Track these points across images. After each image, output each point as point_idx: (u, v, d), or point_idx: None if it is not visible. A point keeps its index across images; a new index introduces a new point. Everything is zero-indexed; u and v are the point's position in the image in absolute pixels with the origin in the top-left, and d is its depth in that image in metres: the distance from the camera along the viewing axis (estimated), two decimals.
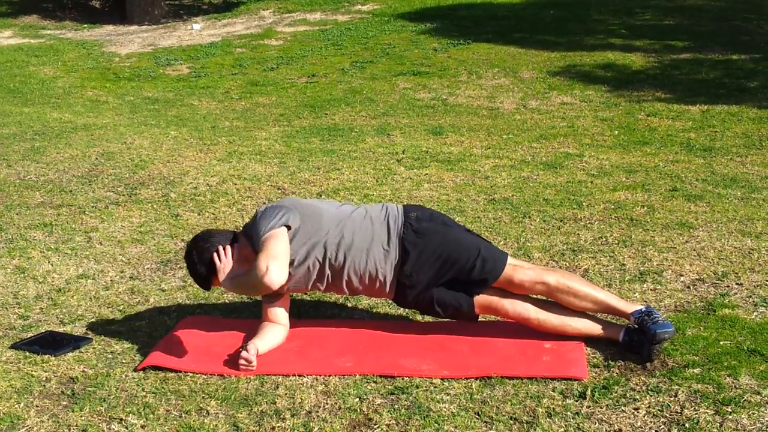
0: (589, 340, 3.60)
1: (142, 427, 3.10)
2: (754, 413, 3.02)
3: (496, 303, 3.64)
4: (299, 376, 3.42)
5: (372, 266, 3.62)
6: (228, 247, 3.63)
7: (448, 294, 3.66)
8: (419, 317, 3.98)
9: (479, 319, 3.78)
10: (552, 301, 3.67)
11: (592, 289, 3.64)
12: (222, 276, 3.58)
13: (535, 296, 3.69)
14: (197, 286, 3.84)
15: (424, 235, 3.65)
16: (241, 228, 4.15)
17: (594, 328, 3.60)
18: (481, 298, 3.65)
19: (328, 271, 3.64)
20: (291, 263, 3.56)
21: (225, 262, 3.59)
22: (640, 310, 3.50)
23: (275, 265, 3.37)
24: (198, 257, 3.65)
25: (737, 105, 8.25)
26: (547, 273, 3.67)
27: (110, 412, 3.20)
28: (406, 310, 3.99)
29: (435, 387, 3.30)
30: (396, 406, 3.17)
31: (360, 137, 7.72)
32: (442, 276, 3.63)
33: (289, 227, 3.55)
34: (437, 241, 3.64)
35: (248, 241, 3.63)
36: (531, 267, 3.72)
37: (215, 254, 3.60)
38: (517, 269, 3.65)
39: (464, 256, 3.61)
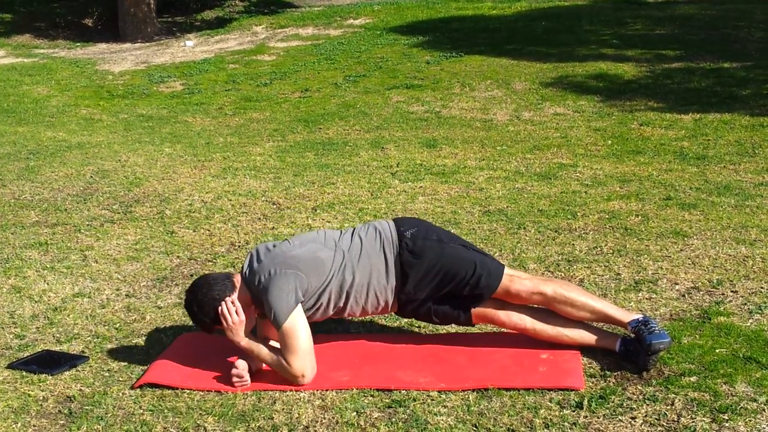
0: (585, 349, 3.61)
1: None
2: (750, 420, 3.02)
3: (493, 314, 3.66)
4: (296, 391, 3.42)
5: (373, 296, 3.64)
6: (235, 300, 3.53)
7: (445, 306, 3.68)
8: (416, 330, 3.99)
9: (476, 328, 3.80)
10: (549, 311, 3.67)
11: (590, 299, 3.64)
12: (232, 336, 3.50)
13: (531, 306, 3.70)
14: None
15: (421, 255, 3.63)
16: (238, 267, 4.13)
17: (591, 338, 3.61)
18: (477, 310, 3.66)
19: (331, 311, 3.65)
20: None
21: (235, 320, 3.50)
22: (637, 319, 3.51)
23: (308, 367, 3.43)
24: (198, 309, 3.56)
25: (730, 113, 8.28)
26: (544, 283, 3.67)
27: (108, 431, 3.20)
28: (403, 322, 4.00)
29: (432, 400, 3.31)
30: (393, 420, 3.17)
31: (354, 151, 7.73)
32: (439, 290, 3.64)
33: (302, 300, 3.52)
34: (434, 259, 3.63)
35: (250, 292, 3.57)
36: (528, 277, 3.73)
37: (220, 309, 3.51)
38: (515, 280, 3.66)
39: (461, 272, 3.62)
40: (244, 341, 3.51)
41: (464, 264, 3.63)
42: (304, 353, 3.42)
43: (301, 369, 3.41)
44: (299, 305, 3.47)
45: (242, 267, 3.66)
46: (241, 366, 3.47)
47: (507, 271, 3.69)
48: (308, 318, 3.56)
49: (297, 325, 3.44)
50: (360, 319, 4.10)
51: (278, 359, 3.46)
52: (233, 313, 3.50)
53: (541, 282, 3.68)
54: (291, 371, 3.42)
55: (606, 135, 7.83)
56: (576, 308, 3.60)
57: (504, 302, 3.67)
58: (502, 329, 3.76)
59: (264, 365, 3.57)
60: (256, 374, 3.52)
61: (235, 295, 3.55)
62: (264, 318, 3.69)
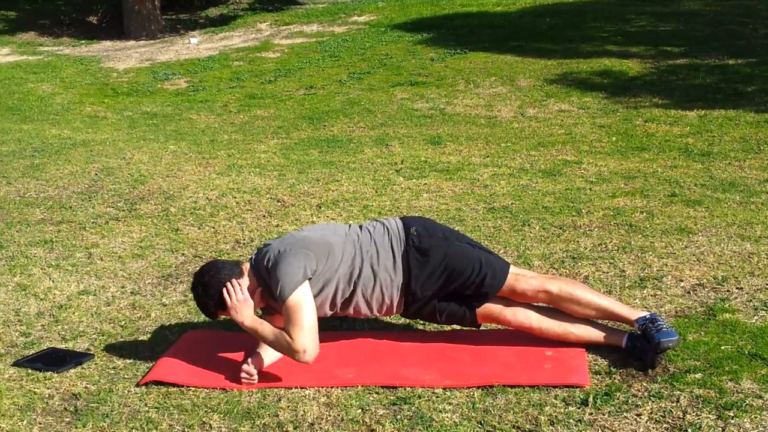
0: (590, 346, 3.61)
1: None
2: (756, 417, 3.02)
3: (498, 312, 3.65)
4: (301, 388, 3.42)
5: (378, 292, 3.63)
6: (241, 282, 3.53)
7: (450, 305, 3.67)
8: (420, 327, 3.99)
9: (481, 327, 3.80)
10: (554, 309, 3.67)
11: (595, 296, 3.64)
12: (236, 315, 3.50)
13: (537, 305, 3.70)
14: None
15: (427, 253, 3.64)
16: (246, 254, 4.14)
17: (597, 335, 3.61)
18: (483, 308, 3.66)
19: (339, 302, 3.64)
20: None
21: (239, 300, 3.50)
22: (644, 317, 3.50)
23: (310, 343, 3.38)
24: (203, 291, 3.55)
25: (734, 109, 8.26)
26: (550, 281, 3.67)
27: (113, 428, 3.20)
28: (408, 320, 3.99)
29: (437, 397, 3.31)
30: (398, 417, 3.17)
31: (359, 148, 7.73)
32: (445, 289, 3.64)
33: (309, 278, 3.50)
34: (440, 257, 3.64)
35: (257, 280, 3.57)
36: (533, 276, 3.73)
37: (225, 290, 3.50)
38: (520, 278, 3.66)
39: (467, 271, 3.62)
40: (248, 320, 3.49)
41: (470, 262, 3.64)
42: (307, 328, 3.39)
43: (303, 344, 3.36)
44: (307, 282, 3.46)
45: (251, 256, 3.68)
46: (252, 363, 3.47)
47: (512, 269, 3.69)
48: (318, 310, 3.56)
49: (303, 299, 3.41)
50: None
51: (281, 334, 3.42)
52: (237, 291, 3.50)
53: (547, 280, 3.68)
54: (293, 345, 3.37)
55: (611, 132, 7.82)
56: (582, 306, 3.60)
57: (509, 301, 3.66)
58: (507, 327, 3.76)
59: (266, 364, 3.58)
60: (261, 372, 3.52)
61: (242, 280, 3.55)
62: (270, 313, 3.70)
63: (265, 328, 3.47)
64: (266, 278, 3.53)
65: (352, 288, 3.61)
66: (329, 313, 3.69)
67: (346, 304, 3.66)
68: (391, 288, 3.64)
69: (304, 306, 3.41)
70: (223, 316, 3.64)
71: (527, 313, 3.64)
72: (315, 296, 3.53)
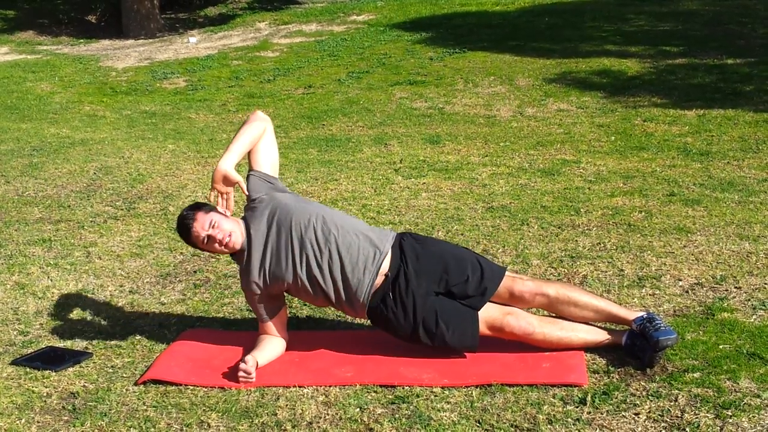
0: (591, 347, 3.60)
1: None
2: (754, 416, 3.02)
3: (501, 319, 3.58)
4: (299, 387, 3.42)
5: (355, 248, 3.56)
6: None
7: (451, 311, 3.58)
8: None
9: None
10: (553, 315, 3.67)
11: (593, 298, 3.65)
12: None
13: (535, 311, 3.70)
14: (182, 239, 3.80)
15: (423, 242, 3.69)
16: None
17: (598, 336, 3.60)
18: (485, 315, 3.59)
19: (310, 241, 3.56)
20: (275, 206, 3.67)
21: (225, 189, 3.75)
22: (642, 316, 3.50)
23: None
24: (187, 208, 3.77)
25: (733, 109, 8.26)
26: (547, 285, 3.68)
27: (111, 427, 3.20)
28: None
29: (435, 396, 3.31)
30: (397, 416, 3.17)
31: (357, 147, 7.73)
32: (439, 283, 3.60)
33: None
34: (435, 249, 3.66)
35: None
36: (530, 279, 3.74)
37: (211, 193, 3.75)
38: (517, 281, 3.66)
39: (462, 265, 3.62)
40: (229, 153, 3.73)
41: (465, 258, 3.66)
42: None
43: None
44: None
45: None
46: (250, 362, 3.47)
47: (509, 273, 3.69)
48: (292, 249, 3.59)
49: None
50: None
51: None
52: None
53: (544, 284, 3.70)
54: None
55: (609, 131, 7.82)
56: (580, 308, 3.61)
57: (509, 307, 3.64)
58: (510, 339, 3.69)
59: (264, 362, 3.58)
60: (259, 370, 3.52)
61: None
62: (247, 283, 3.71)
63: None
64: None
65: (329, 229, 3.57)
66: (290, 270, 3.58)
67: (323, 254, 3.56)
68: (367, 251, 3.57)
69: None
70: (198, 232, 3.63)
71: (528, 317, 3.60)
72: (284, 214, 3.63)
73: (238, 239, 3.63)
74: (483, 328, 3.60)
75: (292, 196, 3.79)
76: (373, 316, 3.64)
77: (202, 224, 3.62)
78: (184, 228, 3.66)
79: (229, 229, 3.60)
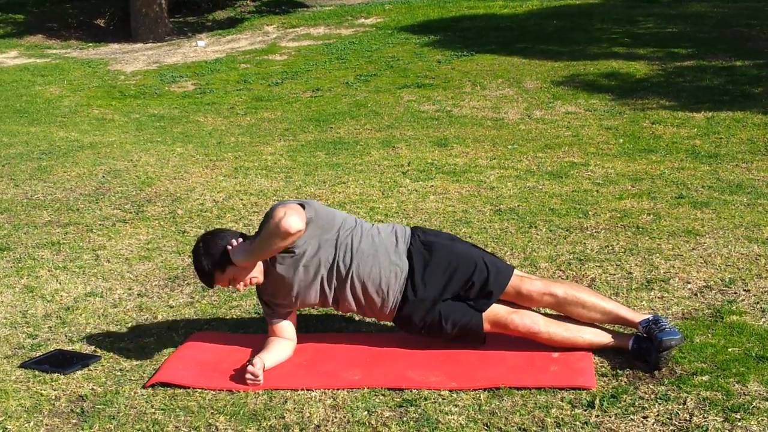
0: (597, 349, 3.60)
1: None
2: (763, 420, 3.01)
3: (506, 317, 3.61)
4: (307, 390, 3.42)
5: (376, 273, 3.62)
6: (240, 239, 3.64)
7: (456, 311, 3.63)
8: None
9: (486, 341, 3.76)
10: (560, 315, 3.67)
11: (600, 300, 3.64)
12: (235, 253, 3.56)
13: (543, 311, 3.69)
14: (201, 283, 3.82)
15: (431, 247, 3.69)
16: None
17: (603, 338, 3.60)
18: (489, 313, 3.62)
19: (335, 274, 3.63)
20: (302, 254, 3.57)
21: (238, 244, 3.60)
22: (648, 319, 3.50)
23: (292, 212, 3.44)
24: (205, 250, 3.62)
25: (742, 111, 8.24)
26: (555, 285, 3.67)
27: (119, 430, 3.21)
28: None
29: (443, 399, 3.31)
30: (405, 419, 3.17)
31: (365, 150, 7.73)
32: (448, 288, 3.62)
33: (303, 206, 3.56)
34: (444, 253, 3.66)
35: None
36: (539, 279, 3.74)
37: (228, 246, 3.59)
38: (525, 280, 3.66)
39: (470, 267, 3.62)
40: (243, 256, 3.55)
41: (474, 260, 3.66)
42: (291, 206, 3.49)
43: (283, 210, 3.44)
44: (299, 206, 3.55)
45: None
46: (257, 364, 3.48)
47: (517, 272, 3.69)
48: (313, 282, 3.61)
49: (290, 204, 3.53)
50: (371, 318, 4.09)
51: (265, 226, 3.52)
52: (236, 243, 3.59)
53: (552, 283, 3.69)
54: (273, 217, 3.45)
55: (618, 133, 7.81)
56: (587, 309, 3.60)
57: (516, 305, 3.65)
58: (515, 335, 3.71)
59: (271, 365, 3.59)
60: (267, 373, 3.52)
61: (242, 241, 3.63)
62: (271, 314, 3.73)
63: (262, 237, 3.53)
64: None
65: (349, 259, 3.60)
66: (328, 294, 3.66)
67: (342, 281, 3.62)
68: (389, 272, 3.62)
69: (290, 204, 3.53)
70: (219, 285, 3.67)
71: (534, 317, 3.62)
72: (314, 254, 3.58)
73: (258, 278, 3.68)
74: (487, 326, 3.63)
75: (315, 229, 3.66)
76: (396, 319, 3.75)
77: (221, 282, 3.69)
78: (205, 283, 3.76)
79: (248, 276, 3.65)
